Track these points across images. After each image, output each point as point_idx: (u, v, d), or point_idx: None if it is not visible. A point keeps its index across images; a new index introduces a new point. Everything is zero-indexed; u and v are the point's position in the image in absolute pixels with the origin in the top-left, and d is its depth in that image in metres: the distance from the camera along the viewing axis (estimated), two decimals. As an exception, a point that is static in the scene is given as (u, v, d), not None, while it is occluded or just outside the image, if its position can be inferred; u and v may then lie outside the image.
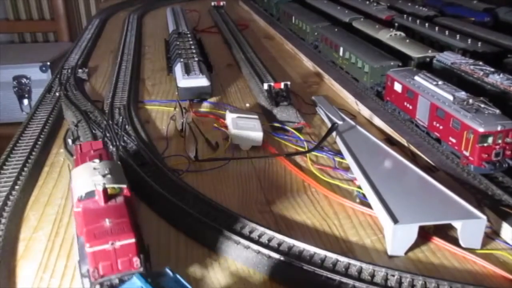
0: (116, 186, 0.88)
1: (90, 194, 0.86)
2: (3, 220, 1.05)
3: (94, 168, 0.91)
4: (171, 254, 1.02)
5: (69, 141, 1.42)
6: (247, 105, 1.83)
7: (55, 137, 1.53)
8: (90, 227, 0.80)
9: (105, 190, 0.86)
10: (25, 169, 1.27)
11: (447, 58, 1.69)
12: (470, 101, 1.29)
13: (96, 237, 0.78)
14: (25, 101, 3.76)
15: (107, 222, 0.80)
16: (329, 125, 1.55)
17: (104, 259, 0.77)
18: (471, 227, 1.03)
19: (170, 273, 0.74)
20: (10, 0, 4.98)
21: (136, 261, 0.79)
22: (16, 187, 1.19)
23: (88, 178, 0.88)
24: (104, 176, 0.89)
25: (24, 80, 3.77)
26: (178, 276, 0.73)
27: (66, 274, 0.96)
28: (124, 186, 0.89)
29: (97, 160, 0.94)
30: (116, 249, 0.78)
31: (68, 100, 1.69)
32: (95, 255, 0.77)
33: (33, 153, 1.36)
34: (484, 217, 1.03)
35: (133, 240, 0.79)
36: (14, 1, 4.98)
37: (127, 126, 1.50)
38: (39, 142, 1.43)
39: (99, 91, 1.96)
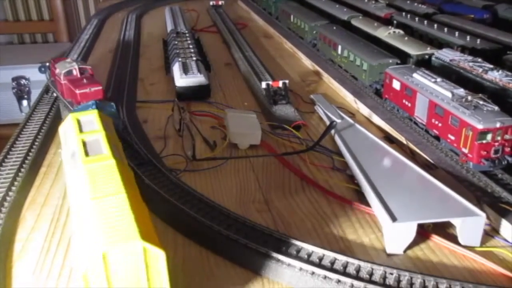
0: (84, 66, 1.54)
1: (69, 72, 1.50)
2: (0, 221, 1.05)
3: (69, 62, 1.56)
4: (168, 254, 1.01)
5: (67, 141, 1.41)
6: (246, 104, 1.83)
7: (53, 137, 1.53)
8: (76, 84, 1.44)
9: (79, 68, 1.51)
10: (22, 169, 1.27)
11: (446, 55, 1.69)
12: (469, 98, 1.28)
13: (81, 86, 1.43)
14: (24, 102, 3.76)
15: (84, 81, 1.47)
16: (328, 123, 1.55)
17: (86, 98, 1.39)
18: (470, 224, 1.02)
19: (112, 103, 1.31)
20: (9, 0, 4.98)
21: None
22: (13, 187, 1.18)
23: (67, 65, 1.53)
24: (76, 62, 1.55)
25: (23, 81, 3.77)
26: (113, 104, 1.30)
27: (62, 274, 0.95)
28: (89, 67, 1.54)
29: (69, 59, 1.60)
30: (91, 92, 1.42)
31: (65, 100, 1.68)
32: (81, 95, 1.41)
33: (30, 153, 1.36)
34: (483, 214, 1.02)
35: (100, 87, 1.45)
36: (13, 2, 4.98)
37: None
38: (36, 143, 1.42)
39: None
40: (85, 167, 0.86)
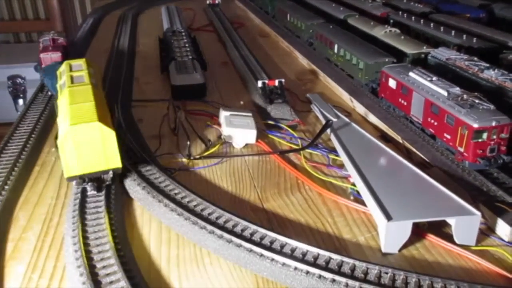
0: (58, 37, 2.03)
1: (45, 41, 1.98)
2: (-8, 221, 1.04)
3: (49, 34, 2.04)
4: (162, 254, 1.01)
5: (61, 140, 1.40)
6: (241, 103, 1.82)
7: (47, 136, 1.52)
8: (42, 50, 1.91)
9: (53, 38, 2.00)
10: (16, 168, 1.26)
11: (442, 54, 1.68)
12: (465, 96, 1.28)
13: (44, 51, 1.88)
14: (20, 101, 3.75)
15: (49, 48, 1.92)
16: (324, 122, 1.54)
17: (46, 61, 1.85)
18: (465, 223, 1.02)
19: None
20: (5, 0, 4.95)
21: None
22: (6, 187, 1.17)
23: (46, 36, 2.02)
24: (53, 34, 2.03)
25: (19, 80, 3.75)
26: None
27: (55, 274, 0.94)
28: (62, 38, 2.03)
29: (52, 32, 2.08)
30: (51, 57, 1.85)
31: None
32: (43, 58, 1.87)
33: (24, 152, 1.34)
34: (478, 213, 1.02)
35: (59, 54, 1.87)
36: (9, 1, 4.96)
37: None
38: (30, 141, 1.41)
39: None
40: (68, 89, 1.23)
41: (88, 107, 1.12)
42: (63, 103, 1.18)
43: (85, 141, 1.06)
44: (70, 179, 1.08)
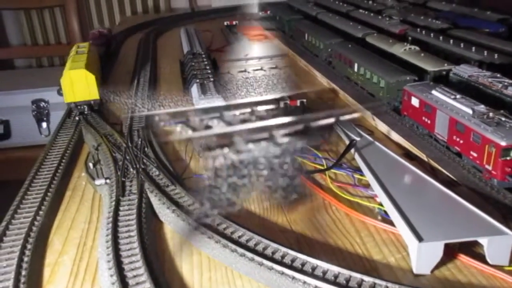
0: (103, 29, 2.88)
1: (94, 33, 2.79)
2: (29, 246, 1.07)
3: (97, 27, 3.08)
4: (194, 277, 1.02)
5: (90, 165, 1.44)
6: (264, 123, 1.84)
7: (76, 160, 1.56)
8: (91, 39, 2.68)
9: (99, 30, 2.81)
10: (49, 193, 1.29)
11: (464, 71, 1.68)
12: (490, 114, 1.28)
13: (93, 39, 2.68)
14: (44, 124, 3.83)
15: (96, 37, 2.76)
16: (347, 141, 1.55)
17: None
18: (498, 243, 1.01)
19: None
20: (28, 25, 5.11)
21: None
22: (41, 212, 1.20)
23: (95, 30, 2.82)
24: (100, 27, 3.12)
25: (42, 104, 3.84)
26: None
27: (91, 299, 0.96)
28: (105, 30, 2.88)
29: (99, 26, 2.92)
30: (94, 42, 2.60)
31: (87, 124, 1.72)
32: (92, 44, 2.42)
33: (56, 177, 1.38)
34: (511, 232, 1.01)
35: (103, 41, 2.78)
36: (31, 26, 5.12)
37: (146, 148, 1.51)
38: (61, 167, 1.45)
39: (117, 114, 1.99)
40: (73, 56, 1.99)
41: (81, 63, 1.83)
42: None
43: (77, 80, 1.78)
44: (69, 103, 1.82)
